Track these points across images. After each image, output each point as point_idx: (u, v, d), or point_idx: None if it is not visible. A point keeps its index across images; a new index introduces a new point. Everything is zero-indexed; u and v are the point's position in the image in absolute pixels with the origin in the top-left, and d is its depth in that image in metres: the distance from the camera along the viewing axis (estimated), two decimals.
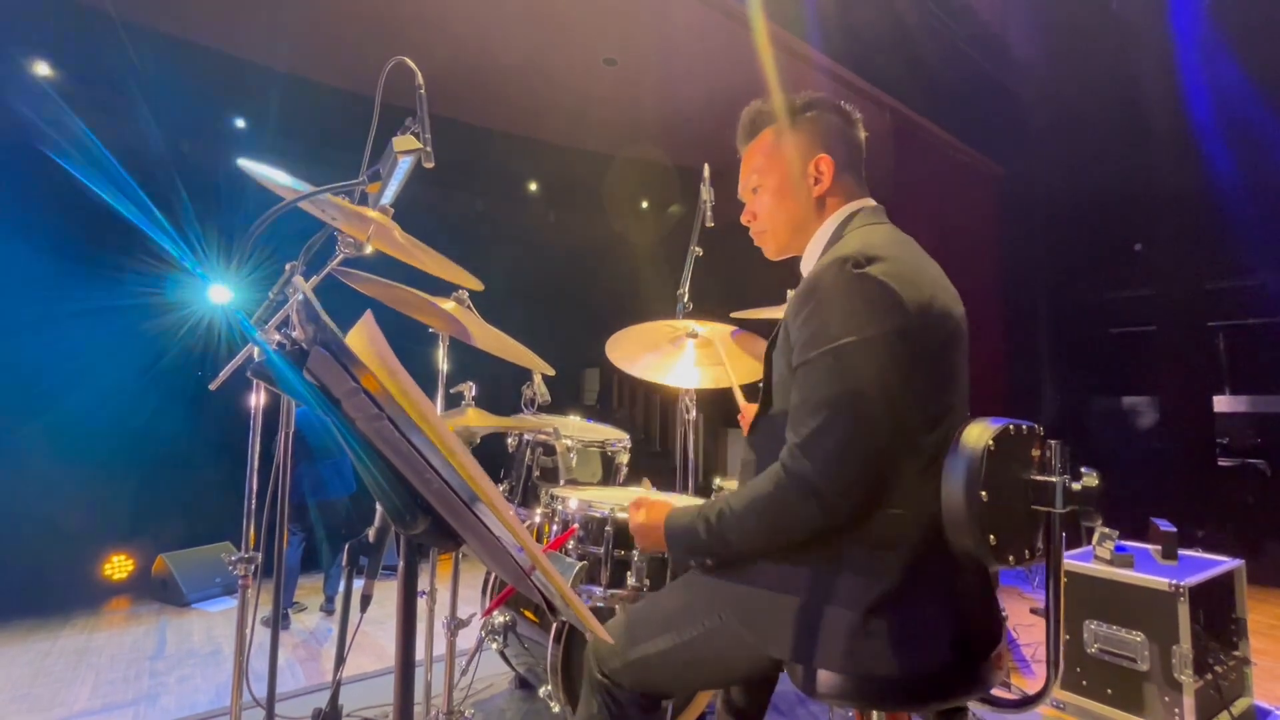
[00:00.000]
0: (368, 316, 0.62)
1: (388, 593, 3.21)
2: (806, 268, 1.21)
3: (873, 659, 0.97)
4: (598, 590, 1.84)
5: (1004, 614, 2.71)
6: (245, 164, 1.27)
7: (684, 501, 2.02)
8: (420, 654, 1.82)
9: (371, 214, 1.36)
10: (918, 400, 1.01)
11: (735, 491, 1.05)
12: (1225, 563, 2.43)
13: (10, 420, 3.91)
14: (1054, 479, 1.05)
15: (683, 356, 2.03)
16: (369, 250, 1.44)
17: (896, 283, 1.00)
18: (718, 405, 1.72)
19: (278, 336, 0.65)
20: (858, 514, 0.98)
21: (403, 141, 1.23)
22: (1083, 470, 1.05)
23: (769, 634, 1.04)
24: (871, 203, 1.21)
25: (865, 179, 1.25)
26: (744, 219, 1.28)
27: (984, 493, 0.97)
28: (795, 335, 1.04)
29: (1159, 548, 2.50)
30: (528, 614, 2.07)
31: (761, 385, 1.20)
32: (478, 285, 1.86)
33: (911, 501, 1.00)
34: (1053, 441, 1.07)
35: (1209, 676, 2.18)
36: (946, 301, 1.07)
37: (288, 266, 1.40)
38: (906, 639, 0.97)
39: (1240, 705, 2.32)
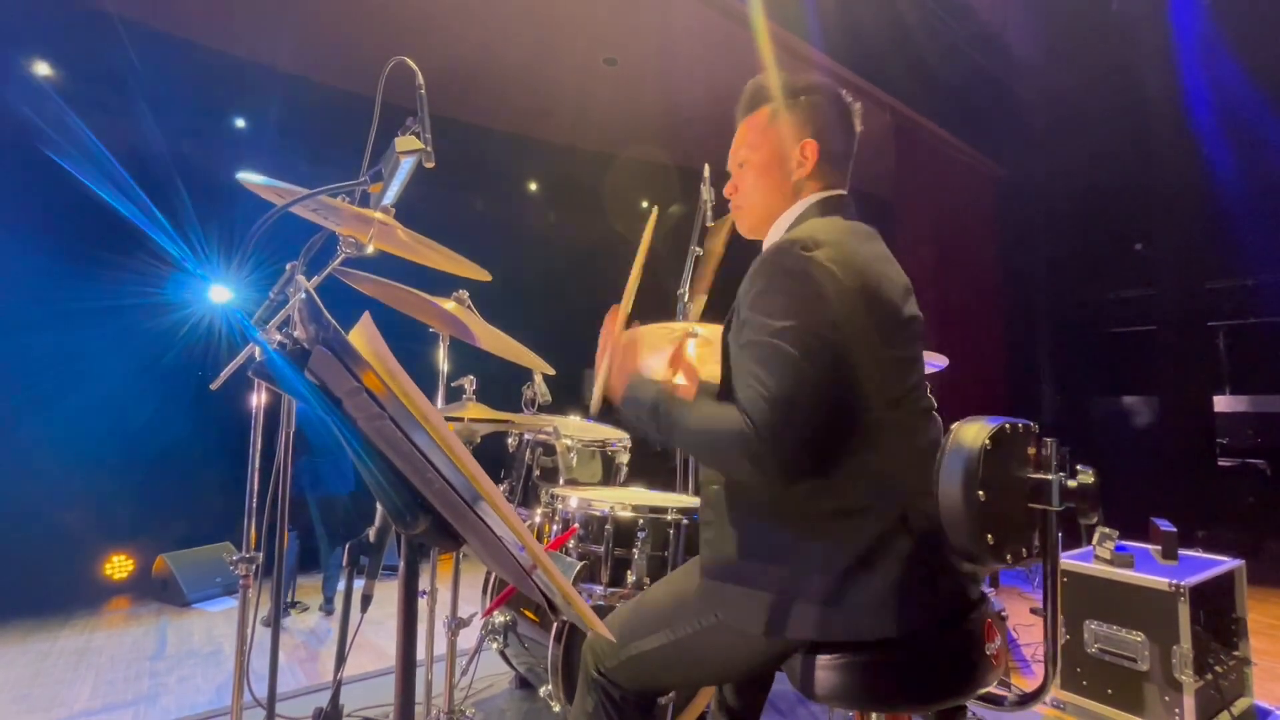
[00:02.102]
0: (366, 318, 0.62)
1: (388, 593, 3.21)
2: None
3: (854, 622, 0.99)
4: (598, 589, 1.84)
5: (1004, 614, 2.71)
6: (245, 177, 1.27)
7: (683, 502, 2.04)
8: (421, 654, 1.83)
9: (374, 214, 1.36)
10: (870, 381, 1.03)
11: (696, 407, 1.06)
12: (1225, 562, 2.43)
13: (10, 420, 3.91)
14: (1050, 476, 1.06)
15: None
16: (370, 250, 1.44)
17: (839, 268, 1.02)
18: None
19: (279, 336, 0.65)
20: (791, 490, 1.02)
21: (404, 142, 1.24)
22: (1079, 468, 1.06)
23: (750, 616, 1.05)
24: (839, 192, 1.22)
25: (851, 172, 1.25)
26: (726, 191, 1.29)
27: (981, 492, 0.97)
28: (744, 315, 1.06)
29: (1159, 548, 2.50)
30: (528, 614, 2.08)
31: (721, 370, 1.19)
32: (486, 276, 1.86)
33: (874, 477, 1.03)
34: (1049, 439, 1.08)
35: (1209, 676, 2.18)
36: (890, 290, 1.09)
37: (289, 266, 1.41)
38: (878, 604, 0.99)
39: (1240, 705, 2.32)
